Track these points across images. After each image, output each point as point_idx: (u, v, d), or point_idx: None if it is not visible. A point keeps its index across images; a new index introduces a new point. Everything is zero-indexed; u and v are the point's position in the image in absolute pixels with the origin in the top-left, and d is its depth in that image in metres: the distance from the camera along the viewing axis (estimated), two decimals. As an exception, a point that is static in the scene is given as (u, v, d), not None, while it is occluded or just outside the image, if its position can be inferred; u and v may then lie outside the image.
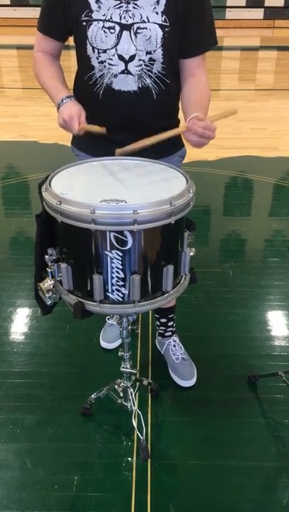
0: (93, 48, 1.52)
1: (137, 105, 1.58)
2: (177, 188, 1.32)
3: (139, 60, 1.51)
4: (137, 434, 1.75)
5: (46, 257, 1.40)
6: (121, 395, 1.79)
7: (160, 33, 1.49)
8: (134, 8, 1.46)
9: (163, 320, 2.11)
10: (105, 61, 1.52)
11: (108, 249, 1.27)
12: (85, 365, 2.12)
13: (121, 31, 1.48)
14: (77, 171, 1.50)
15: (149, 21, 1.47)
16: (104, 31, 1.48)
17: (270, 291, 2.62)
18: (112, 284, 1.32)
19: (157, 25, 1.48)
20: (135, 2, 1.46)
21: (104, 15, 1.47)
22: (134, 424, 1.75)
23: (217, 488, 1.63)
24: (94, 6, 1.48)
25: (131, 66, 1.51)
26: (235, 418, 1.87)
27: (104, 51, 1.51)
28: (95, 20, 1.48)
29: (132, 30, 1.47)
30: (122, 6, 1.46)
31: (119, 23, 1.47)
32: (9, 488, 1.63)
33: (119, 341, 2.13)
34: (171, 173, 1.46)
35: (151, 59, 1.52)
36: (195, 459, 1.72)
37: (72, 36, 1.59)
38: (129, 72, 1.52)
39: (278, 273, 2.77)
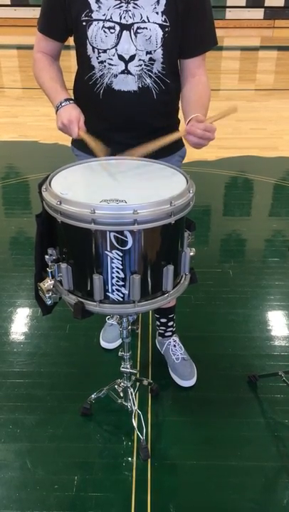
0: (93, 47, 1.52)
1: (137, 105, 1.58)
2: (177, 188, 1.32)
3: (139, 60, 1.51)
4: (137, 434, 1.75)
5: (46, 257, 1.39)
6: (121, 395, 1.79)
7: (160, 32, 1.49)
8: (134, 8, 1.46)
9: (163, 320, 2.11)
10: (105, 61, 1.52)
11: (108, 249, 1.27)
12: (85, 365, 2.12)
13: (121, 31, 1.48)
14: (77, 170, 1.50)
15: (149, 21, 1.47)
16: (104, 31, 1.48)
17: (270, 291, 2.62)
18: (112, 284, 1.32)
19: (157, 25, 1.48)
20: (135, 2, 1.46)
21: (104, 15, 1.47)
22: (134, 424, 1.75)
23: (217, 488, 1.63)
24: (94, 5, 1.48)
25: (131, 66, 1.51)
26: (235, 418, 1.87)
27: (105, 51, 1.51)
28: (95, 20, 1.48)
29: (132, 30, 1.47)
30: (122, 6, 1.46)
31: (119, 23, 1.47)
32: (9, 488, 1.63)
33: (119, 341, 2.13)
34: (171, 173, 1.46)
35: (151, 59, 1.52)
36: (195, 459, 1.72)
37: (72, 36, 1.59)
38: (129, 72, 1.52)
39: (278, 273, 2.77)
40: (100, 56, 1.52)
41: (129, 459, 1.72)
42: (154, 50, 1.51)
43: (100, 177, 1.45)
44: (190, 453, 1.74)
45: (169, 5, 1.47)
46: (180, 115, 1.67)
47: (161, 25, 1.48)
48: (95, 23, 1.49)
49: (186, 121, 1.50)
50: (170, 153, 1.70)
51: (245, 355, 2.17)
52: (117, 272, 1.30)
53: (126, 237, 1.25)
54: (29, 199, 3.70)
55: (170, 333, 2.13)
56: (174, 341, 2.11)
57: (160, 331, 2.15)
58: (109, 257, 1.28)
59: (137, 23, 1.47)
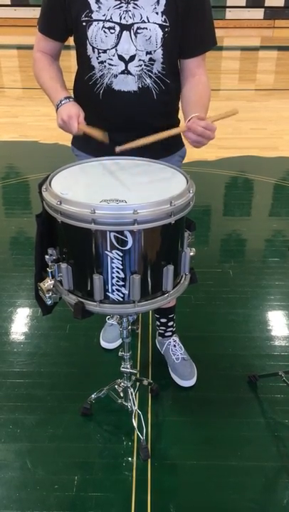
0: (93, 48, 1.52)
1: (137, 105, 1.58)
2: (177, 188, 1.32)
3: (139, 60, 1.51)
4: (137, 434, 1.75)
5: (46, 257, 1.40)
6: (121, 395, 1.79)
7: (160, 33, 1.49)
8: (134, 8, 1.46)
9: (163, 320, 2.11)
10: (105, 61, 1.52)
11: (108, 249, 1.27)
12: (85, 365, 2.12)
13: (121, 31, 1.48)
14: (77, 171, 1.50)
15: (149, 21, 1.47)
16: (104, 31, 1.48)
17: (270, 291, 2.62)
18: (113, 284, 1.32)
19: (157, 26, 1.48)
20: (135, 2, 1.46)
21: (104, 15, 1.47)
22: (135, 424, 1.75)
23: (217, 488, 1.63)
24: (94, 6, 1.48)
25: (131, 66, 1.51)
26: (236, 418, 1.87)
27: (105, 51, 1.51)
28: (95, 20, 1.48)
29: (132, 31, 1.47)
30: (122, 6, 1.46)
31: (119, 23, 1.47)
32: (9, 488, 1.63)
33: (120, 341, 2.13)
34: (171, 173, 1.46)
35: (151, 59, 1.52)
36: (195, 459, 1.72)
37: (72, 36, 1.59)
38: (129, 73, 1.52)
39: (278, 273, 2.77)
40: (99, 56, 1.52)
41: (130, 459, 1.72)
42: (154, 50, 1.51)
43: (100, 177, 1.45)
44: (190, 453, 1.74)
45: (168, 5, 1.47)
46: (180, 115, 1.66)
47: (161, 26, 1.48)
48: (94, 23, 1.49)
49: (186, 121, 1.50)
50: (170, 153, 1.70)
51: (245, 355, 2.17)
52: (117, 272, 1.30)
53: (126, 237, 1.25)
54: (29, 199, 3.70)
55: (170, 333, 2.13)
56: (174, 341, 2.11)
57: (160, 331, 2.15)
58: (109, 257, 1.28)
59: (137, 23, 1.47)
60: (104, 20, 1.47)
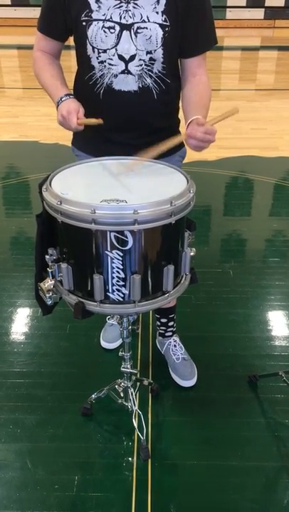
0: (93, 47, 1.52)
1: (138, 105, 1.58)
2: (178, 188, 1.32)
3: (140, 59, 1.51)
4: (138, 434, 1.75)
5: (47, 257, 1.39)
6: (121, 395, 1.79)
7: (160, 32, 1.49)
8: (134, 7, 1.46)
9: (163, 320, 2.11)
10: (105, 61, 1.52)
11: (108, 249, 1.27)
12: (85, 365, 2.12)
13: (121, 31, 1.48)
14: (77, 171, 1.49)
15: (149, 21, 1.47)
16: (104, 31, 1.48)
17: (271, 291, 2.62)
18: (113, 284, 1.32)
19: (157, 25, 1.48)
20: (135, 2, 1.45)
21: (104, 15, 1.47)
22: (135, 424, 1.75)
23: (217, 488, 1.63)
24: (94, 5, 1.48)
25: (131, 66, 1.51)
26: (236, 418, 1.87)
27: (105, 51, 1.51)
28: (95, 20, 1.48)
29: (132, 30, 1.47)
30: (122, 6, 1.46)
31: (119, 23, 1.47)
32: (10, 488, 1.63)
33: (120, 341, 2.13)
34: (172, 173, 1.46)
35: (151, 59, 1.52)
36: (195, 459, 1.72)
37: (72, 36, 1.59)
38: (129, 72, 1.52)
39: (279, 273, 2.77)
40: (100, 56, 1.52)
41: (130, 459, 1.72)
42: (155, 50, 1.51)
43: (100, 177, 1.45)
44: (190, 453, 1.74)
45: (169, 4, 1.47)
46: (180, 115, 1.66)
47: (161, 25, 1.48)
48: (94, 23, 1.48)
49: (186, 123, 1.49)
50: (170, 153, 1.69)
51: (245, 355, 2.17)
52: (118, 272, 1.30)
53: (126, 237, 1.25)
54: (29, 199, 3.70)
55: (170, 333, 2.13)
56: (175, 341, 2.11)
57: (160, 331, 2.15)
58: (109, 257, 1.28)
59: (137, 22, 1.47)
60: (104, 20, 1.47)
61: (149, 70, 1.53)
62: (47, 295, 1.42)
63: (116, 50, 1.50)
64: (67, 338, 2.27)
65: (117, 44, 1.49)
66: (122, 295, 1.34)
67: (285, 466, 1.70)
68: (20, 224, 3.34)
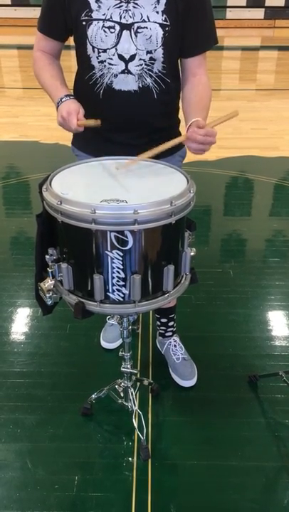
0: (93, 47, 1.52)
1: (138, 105, 1.57)
2: (178, 187, 1.32)
3: (140, 59, 1.51)
4: (138, 434, 1.75)
5: (47, 256, 1.39)
6: (121, 395, 1.79)
7: (160, 32, 1.48)
8: (134, 7, 1.46)
9: (163, 320, 2.11)
10: (105, 61, 1.52)
11: (109, 249, 1.27)
12: (85, 365, 2.12)
13: (121, 31, 1.47)
14: (77, 171, 1.49)
15: (149, 20, 1.47)
16: (104, 31, 1.48)
17: (271, 291, 2.62)
18: (113, 284, 1.32)
19: (158, 25, 1.48)
20: (135, 1, 1.45)
21: (104, 14, 1.47)
22: (135, 424, 1.75)
23: (217, 488, 1.63)
24: (94, 5, 1.47)
25: (131, 66, 1.51)
26: (236, 418, 1.87)
27: (105, 51, 1.51)
28: (95, 19, 1.48)
29: (132, 30, 1.47)
30: (122, 6, 1.46)
31: (119, 23, 1.47)
32: (10, 488, 1.63)
33: (120, 341, 2.13)
34: (172, 173, 1.46)
35: (151, 58, 1.52)
36: (195, 459, 1.72)
37: (72, 36, 1.59)
38: (129, 72, 1.52)
39: (279, 273, 2.77)
40: (99, 56, 1.52)
41: (130, 459, 1.72)
42: (155, 50, 1.51)
43: (100, 177, 1.45)
44: (190, 453, 1.74)
45: (169, 4, 1.47)
46: (180, 115, 1.66)
47: (161, 25, 1.48)
48: (94, 22, 1.48)
49: (186, 125, 1.49)
50: (170, 153, 1.70)
51: (245, 355, 2.17)
52: (118, 272, 1.30)
53: (126, 237, 1.25)
54: (29, 199, 3.70)
55: (170, 333, 2.13)
56: (175, 341, 2.11)
57: (160, 331, 2.15)
58: (109, 257, 1.28)
59: (137, 22, 1.47)
60: (104, 20, 1.47)
61: (149, 70, 1.53)
62: (47, 295, 1.42)
63: (116, 49, 1.49)
64: (67, 338, 2.27)
65: (117, 44, 1.49)
66: (122, 295, 1.34)
67: (285, 466, 1.70)
68: (20, 224, 3.34)
